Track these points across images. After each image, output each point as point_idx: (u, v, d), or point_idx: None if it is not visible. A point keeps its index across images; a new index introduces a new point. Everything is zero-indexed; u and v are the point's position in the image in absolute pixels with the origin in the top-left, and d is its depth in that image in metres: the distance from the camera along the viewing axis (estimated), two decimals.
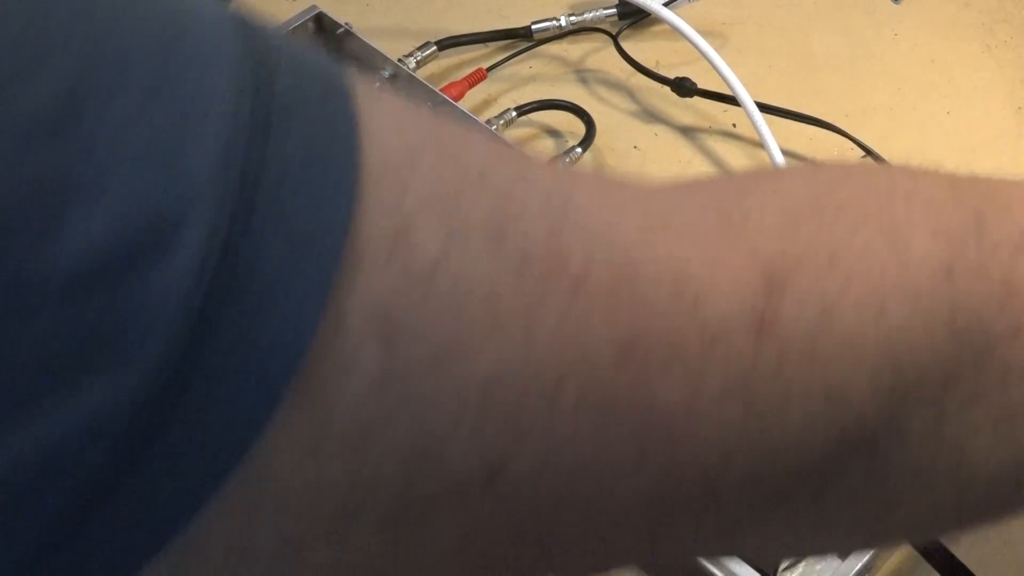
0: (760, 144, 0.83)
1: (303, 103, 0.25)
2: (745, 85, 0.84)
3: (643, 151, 0.87)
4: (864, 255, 0.30)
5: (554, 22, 0.93)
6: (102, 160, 0.21)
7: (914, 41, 0.97)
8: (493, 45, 0.93)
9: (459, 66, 0.91)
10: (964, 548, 0.58)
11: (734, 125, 0.89)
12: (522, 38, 0.93)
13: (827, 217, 0.31)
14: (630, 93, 0.91)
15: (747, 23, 0.98)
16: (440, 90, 0.82)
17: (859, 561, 0.62)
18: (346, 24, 0.85)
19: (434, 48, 0.88)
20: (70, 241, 0.21)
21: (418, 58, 0.87)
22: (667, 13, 0.87)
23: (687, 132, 0.89)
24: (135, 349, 0.22)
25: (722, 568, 0.60)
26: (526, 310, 0.26)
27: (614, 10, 0.94)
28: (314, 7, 0.86)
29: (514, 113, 0.84)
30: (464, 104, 0.82)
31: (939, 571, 0.57)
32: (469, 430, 0.25)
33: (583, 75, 0.93)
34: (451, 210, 0.25)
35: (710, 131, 0.89)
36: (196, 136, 0.23)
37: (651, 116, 0.90)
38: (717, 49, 0.85)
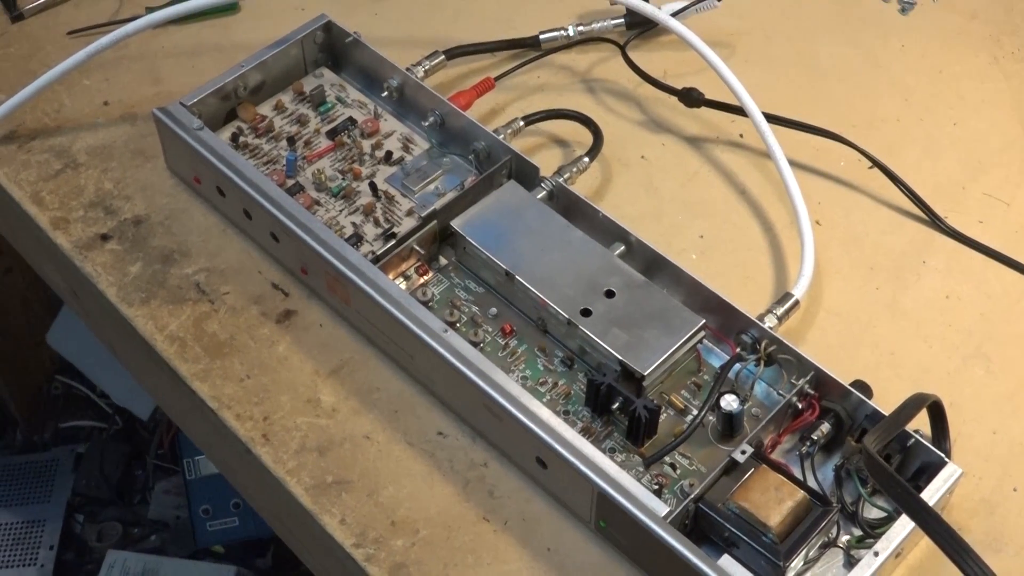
0: (767, 154, 0.83)
1: None
2: (752, 95, 0.84)
3: (650, 161, 0.87)
4: None
5: (562, 32, 0.93)
6: None
7: (921, 52, 0.97)
8: (501, 54, 0.94)
9: (467, 75, 0.92)
10: None
11: (741, 135, 0.89)
12: (530, 48, 0.94)
13: None
14: (637, 103, 0.92)
15: (754, 34, 0.98)
16: (448, 99, 0.82)
17: (865, 572, 0.62)
18: (355, 33, 0.85)
19: (442, 57, 0.88)
20: None
21: (426, 67, 0.87)
22: (675, 23, 0.87)
23: (694, 142, 0.89)
24: None
25: (720, 572, 0.61)
26: None
27: (622, 20, 0.94)
28: (323, 16, 0.86)
29: (521, 122, 0.85)
30: (472, 113, 0.82)
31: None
32: None
33: (591, 85, 0.93)
34: None
35: (717, 141, 0.89)
36: None
37: (658, 126, 0.90)
38: (724, 59, 0.85)
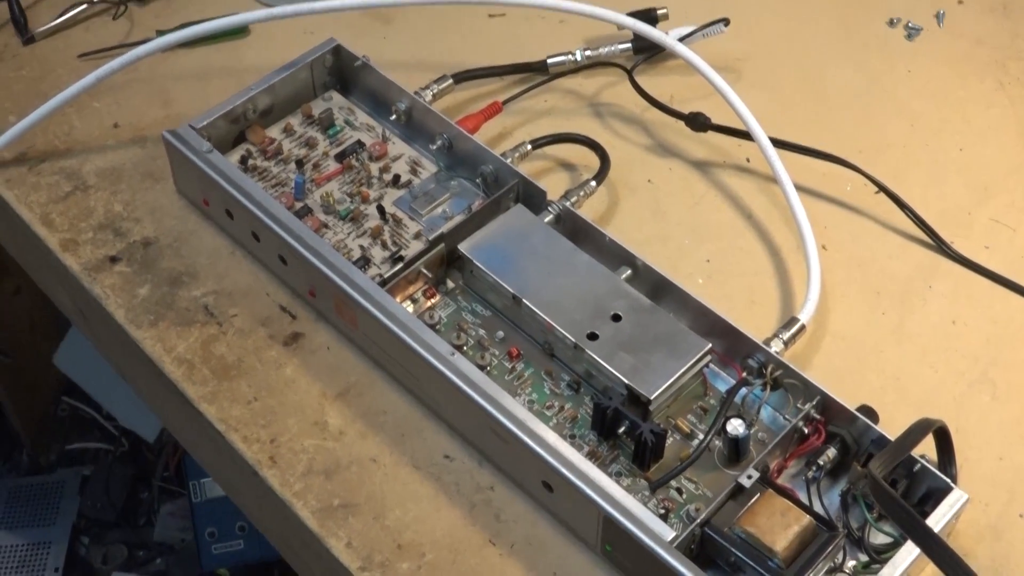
0: (773, 179, 0.83)
1: None
2: (759, 120, 0.84)
3: (657, 185, 0.88)
4: None
5: (569, 56, 0.94)
6: None
7: (927, 77, 0.98)
8: (509, 78, 0.94)
9: (475, 99, 0.92)
10: None
11: (748, 160, 0.90)
12: (537, 72, 0.94)
13: None
14: (644, 127, 0.92)
15: (761, 59, 0.98)
16: (456, 123, 0.83)
17: None
18: (363, 57, 0.86)
19: (450, 81, 0.89)
20: None
21: (434, 91, 0.87)
22: (681, 48, 0.88)
23: (701, 166, 0.89)
24: None
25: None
26: None
27: (629, 45, 0.95)
28: (332, 40, 0.86)
29: (529, 146, 0.85)
30: (480, 137, 0.83)
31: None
32: None
33: (598, 109, 0.93)
34: None
35: (724, 166, 0.90)
36: None
37: (665, 150, 0.90)
38: (731, 84, 0.85)
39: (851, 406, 0.69)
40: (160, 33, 0.94)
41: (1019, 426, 0.75)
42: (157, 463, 1.56)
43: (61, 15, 0.97)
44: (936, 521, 0.64)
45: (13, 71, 0.94)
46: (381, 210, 0.80)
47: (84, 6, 0.97)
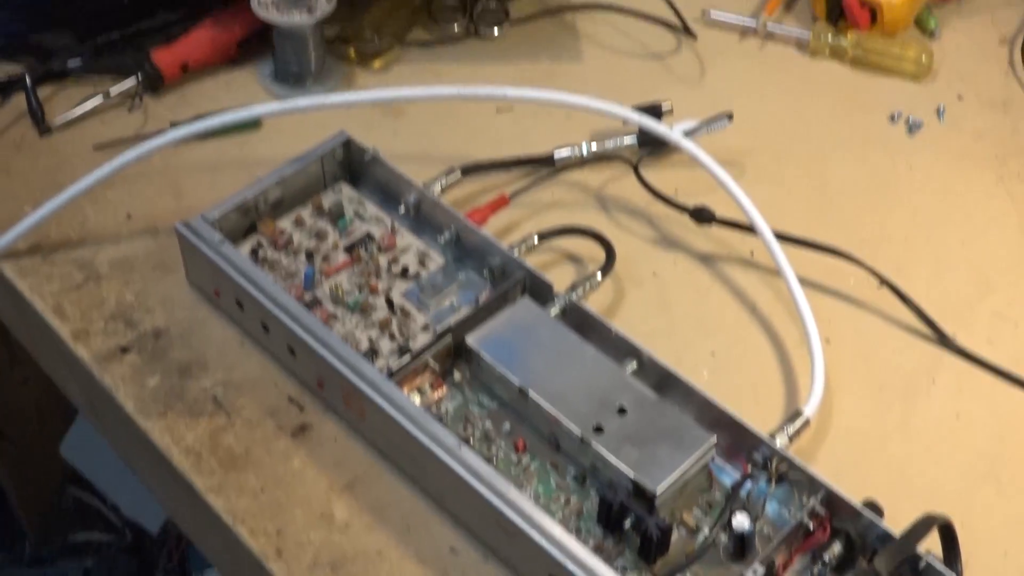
0: (777, 272, 0.84)
1: None
2: (762, 214, 0.85)
3: (662, 278, 0.89)
4: None
5: (575, 150, 0.95)
6: None
7: (928, 172, 0.99)
8: (516, 171, 0.96)
9: (482, 192, 0.93)
10: None
11: (752, 253, 0.91)
12: (544, 165, 0.96)
13: None
14: (649, 220, 0.93)
15: (764, 153, 1.00)
16: (464, 216, 0.84)
17: None
18: (373, 150, 0.87)
19: (458, 174, 0.90)
20: None
21: (443, 183, 0.89)
22: (686, 142, 0.89)
23: (705, 260, 0.90)
24: None
25: None
26: None
27: (634, 139, 0.96)
28: (342, 133, 0.88)
29: (536, 239, 0.86)
30: (487, 229, 0.84)
31: None
32: None
33: (603, 202, 0.95)
34: None
35: (728, 259, 0.90)
36: None
37: (670, 243, 0.91)
38: (735, 178, 0.87)
39: (856, 501, 0.69)
40: (174, 125, 0.96)
41: None
42: (160, 555, 1.55)
43: (77, 106, 0.98)
44: None
45: (29, 161, 0.95)
46: (389, 302, 0.81)
47: (100, 98, 0.99)
